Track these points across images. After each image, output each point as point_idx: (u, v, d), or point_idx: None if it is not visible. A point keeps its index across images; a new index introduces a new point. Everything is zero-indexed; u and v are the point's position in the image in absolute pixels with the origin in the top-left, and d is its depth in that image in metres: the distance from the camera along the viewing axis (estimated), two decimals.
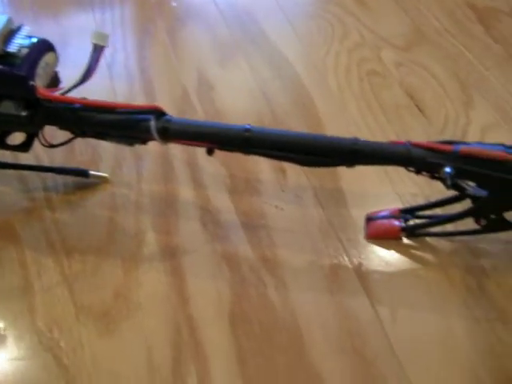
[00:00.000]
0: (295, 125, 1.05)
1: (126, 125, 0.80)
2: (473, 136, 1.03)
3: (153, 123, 0.78)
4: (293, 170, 0.97)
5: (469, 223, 0.84)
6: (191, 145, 0.81)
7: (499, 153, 0.77)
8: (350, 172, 0.94)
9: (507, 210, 0.83)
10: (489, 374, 0.77)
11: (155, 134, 0.78)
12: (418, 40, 1.21)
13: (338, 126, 1.04)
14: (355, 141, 0.78)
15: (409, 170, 0.80)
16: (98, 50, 0.79)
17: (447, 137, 1.01)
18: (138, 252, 0.88)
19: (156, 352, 0.78)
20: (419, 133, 1.03)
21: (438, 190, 0.85)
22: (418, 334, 0.81)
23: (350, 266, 0.86)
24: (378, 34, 1.23)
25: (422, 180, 0.95)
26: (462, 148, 0.77)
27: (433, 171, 0.79)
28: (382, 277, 0.86)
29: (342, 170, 0.94)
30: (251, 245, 0.88)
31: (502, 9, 1.28)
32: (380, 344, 0.79)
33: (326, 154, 0.79)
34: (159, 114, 0.79)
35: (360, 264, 0.87)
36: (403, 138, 0.83)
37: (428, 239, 0.90)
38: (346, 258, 0.87)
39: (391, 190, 0.96)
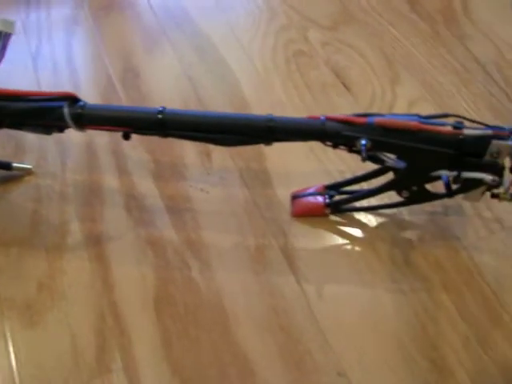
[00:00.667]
0: (221, 108, 1.04)
1: (40, 113, 0.78)
2: (399, 111, 1.04)
3: (66, 110, 0.77)
4: (218, 153, 0.97)
5: (394, 196, 0.85)
6: (107, 130, 0.80)
7: (413, 123, 0.77)
8: (276, 152, 0.95)
9: (428, 181, 0.84)
10: (414, 343, 0.78)
11: (69, 121, 0.77)
12: (344, 19, 1.22)
13: (263, 107, 1.03)
14: (270, 118, 0.78)
15: (326, 145, 0.80)
16: (4, 38, 0.77)
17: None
18: (62, 242, 0.87)
19: (80, 340, 0.77)
20: (346, 110, 1.01)
21: (365, 166, 0.85)
22: (343, 309, 0.81)
23: (275, 245, 0.86)
24: (305, 15, 1.23)
25: (349, 156, 0.95)
26: (376, 120, 0.78)
27: (349, 144, 0.79)
28: (308, 254, 0.86)
29: (268, 151, 0.96)
30: (176, 228, 0.87)
31: None
32: (306, 321, 0.79)
33: (242, 132, 0.78)
34: (72, 100, 0.78)
35: (286, 243, 0.87)
36: None
37: (355, 215, 0.91)
38: (271, 238, 0.87)
39: (318, 167, 0.96)
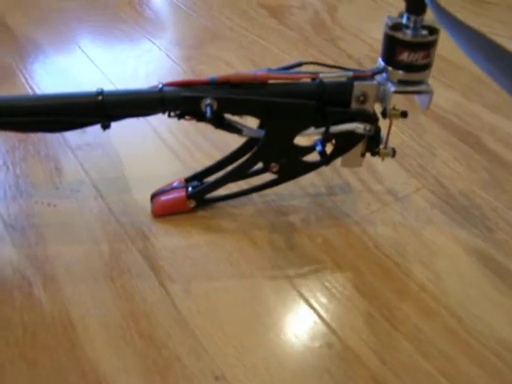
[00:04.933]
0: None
1: None
2: None
3: None
4: (70, 167, 0.81)
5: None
6: None
7: (260, 74, 0.65)
8: (135, 159, 0.83)
9: (297, 151, 0.71)
10: (305, 330, 0.62)
11: None
12: (210, 38, 1.11)
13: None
14: (99, 91, 0.64)
15: (171, 116, 0.66)
16: None
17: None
18: None
19: None
20: None
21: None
22: (218, 305, 0.64)
23: (133, 248, 0.70)
24: (168, 39, 1.13)
25: (214, 151, 0.83)
26: (220, 76, 0.65)
27: (194, 110, 0.65)
28: (172, 253, 0.69)
29: (125, 160, 0.83)
30: (16, 247, 0.69)
31: (293, 4, 1.22)
32: (173, 323, 0.62)
33: (69, 111, 0.64)
34: None
35: (146, 245, 0.70)
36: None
37: (227, 207, 0.75)
38: (129, 242, 0.70)
39: (182, 169, 0.81)
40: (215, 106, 0.64)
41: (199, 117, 0.66)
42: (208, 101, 0.63)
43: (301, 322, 0.63)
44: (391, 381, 0.57)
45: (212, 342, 0.60)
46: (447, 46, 0.54)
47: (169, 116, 0.66)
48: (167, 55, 1.06)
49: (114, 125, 0.66)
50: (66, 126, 0.65)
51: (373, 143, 0.69)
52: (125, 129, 0.87)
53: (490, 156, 0.84)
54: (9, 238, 0.71)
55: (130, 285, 0.66)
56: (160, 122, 0.89)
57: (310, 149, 0.72)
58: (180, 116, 0.67)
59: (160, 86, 0.65)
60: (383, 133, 0.69)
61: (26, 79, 1.02)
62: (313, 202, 0.77)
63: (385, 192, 0.78)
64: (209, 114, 0.63)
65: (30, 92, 0.98)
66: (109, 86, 1.00)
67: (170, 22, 1.22)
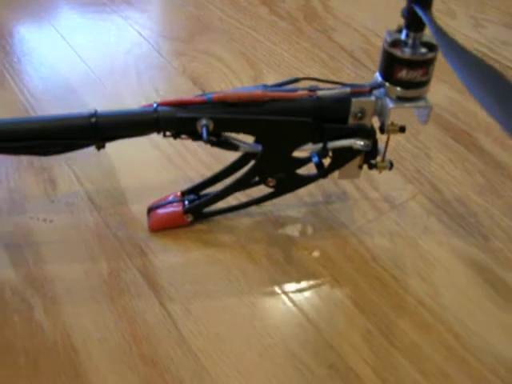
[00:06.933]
0: None
1: None
2: None
3: None
4: (63, 179, 0.80)
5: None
6: None
7: (256, 92, 0.64)
8: (129, 168, 0.82)
9: (295, 164, 0.70)
10: (307, 350, 0.62)
11: None
12: (200, 31, 1.09)
13: None
14: (93, 113, 0.63)
15: (166, 136, 0.66)
16: None
17: None
18: None
19: None
20: None
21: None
22: (219, 325, 0.64)
23: (132, 266, 0.69)
24: (157, 32, 1.10)
25: (211, 159, 0.83)
26: (216, 95, 0.64)
27: (190, 129, 0.64)
28: (171, 271, 0.69)
29: (120, 169, 0.82)
30: (15, 267, 0.69)
31: None
32: (174, 345, 0.62)
33: (62, 135, 0.63)
34: None
35: (144, 262, 0.70)
36: None
37: (224, 220, 0.75)
38: (127, 259, 0.70)
39: (178, 176, 0.80)
40: (211, 127, 0.63)
41: (195, 136, 0.65)
42: (204, 121, 0.62)
43: (302, 341, 0.63)
44: None
45: (215, 365, 0.61)
46: None
47: (164, 136, 0.65)
48: (157, 51, 1.04)
49: None
50: (59, 149, 0.64)
51: (370, 156, 0.69)
52: None
53: (486, 158, 0.84)
54: (7, 258, 0.71)
55: (130, 305, 0.66)
56: None
57: (306, 160, 0.71)
58: (175, 136, 0.66)
59: (155, 105, 0.64)
60: (381, 145, 0.68)
61: (12, 77, 0.99)
62: (309, 211, 0.77)
63: (381, 199, 0.78)
64: (205, 135, 0.62)
65: (17, 92, 0.96)
66: (96, 83, 0.98)
67: (157, 11, 1.19)
